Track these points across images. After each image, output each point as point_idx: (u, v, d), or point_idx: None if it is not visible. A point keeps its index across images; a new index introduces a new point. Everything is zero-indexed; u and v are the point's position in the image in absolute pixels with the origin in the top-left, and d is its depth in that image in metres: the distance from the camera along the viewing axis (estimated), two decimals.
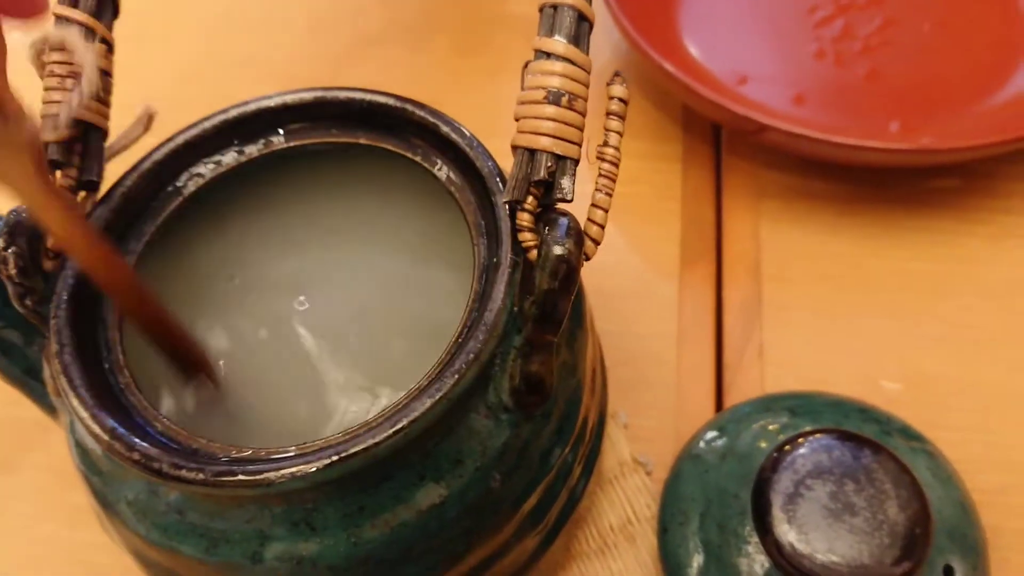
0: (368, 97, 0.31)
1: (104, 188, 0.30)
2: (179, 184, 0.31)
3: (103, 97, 0.29)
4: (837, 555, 0.30)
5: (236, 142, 0.32)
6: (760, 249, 0.45)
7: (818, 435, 0.32)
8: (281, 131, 0.32)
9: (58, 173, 0.29)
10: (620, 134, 0.26)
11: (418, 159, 0.31)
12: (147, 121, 0.31)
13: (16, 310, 0.30)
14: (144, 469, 0.24)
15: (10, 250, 0.27)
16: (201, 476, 0.24)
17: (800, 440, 0.32)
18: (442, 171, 0.31)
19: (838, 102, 0.47)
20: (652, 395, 0.40)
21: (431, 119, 0.30)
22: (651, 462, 0.38)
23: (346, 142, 0.32)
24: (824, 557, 0.30)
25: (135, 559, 0.28)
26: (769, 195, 0.47)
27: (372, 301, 0.34)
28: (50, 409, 0.32)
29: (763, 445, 0.35)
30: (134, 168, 0.30)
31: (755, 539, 0.32)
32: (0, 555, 0.39)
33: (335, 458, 0.24)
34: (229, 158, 0.32)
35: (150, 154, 0.30)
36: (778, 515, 0.31)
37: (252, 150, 0.31)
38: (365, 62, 0.56)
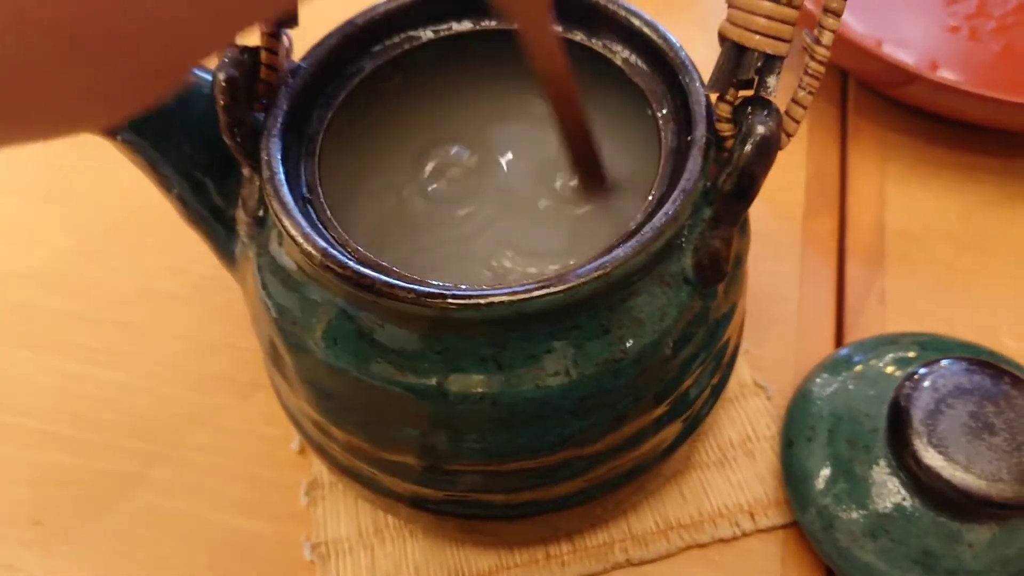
0: None
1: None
2: (375, 50, 0.33)
3: None
4: (976, 469, 0.31)
5: (424, 22, 0.33)
6: (884, 205, 0.46)
7: (958, 360, 0.33)
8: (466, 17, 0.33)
9: None
10: (833, 32, 0.26)
11: (601, 49, 0.32)
12: None
13: (212, 154, 0.31)
14: (356, 286, 0.25)
15: (228, 81, 0.28)
16: (412, 295, 0.25)
17: (941, 363, 0.33)
18: (627, 62, 0.32)
19: (971, 73, 0.48)
20: (773, 329, 0.41)
21: (623, 12, 0.32)
22: (771, 387, 0.39)
23: None
24: (963, 470, 0.31)
25: (311, 395, 0.29)
26: (894, 157, 0.48)
27: (542, 180, 0.35)
28: (227, 254, 0.33)
29: (895, 371, 0.36)
30: (338, 29, 0.32)
31: (886, 454, 0.33)
32: (126, 414, 0.41)
33: (541, 291, 0.25)
34: (423, 35, 0.33)
35: (355, 17, 0.32)
36: (918, 429, 0.32)
37: (443, 28, 0.33)
38: None
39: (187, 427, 0.40)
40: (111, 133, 0.30)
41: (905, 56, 0.48)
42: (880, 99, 0.50)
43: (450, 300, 0.25)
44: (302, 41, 0.31)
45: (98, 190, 0.49)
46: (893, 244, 0.44)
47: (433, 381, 0.27)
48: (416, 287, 0.25)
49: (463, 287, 0.25)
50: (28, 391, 0.42)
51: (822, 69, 0.27)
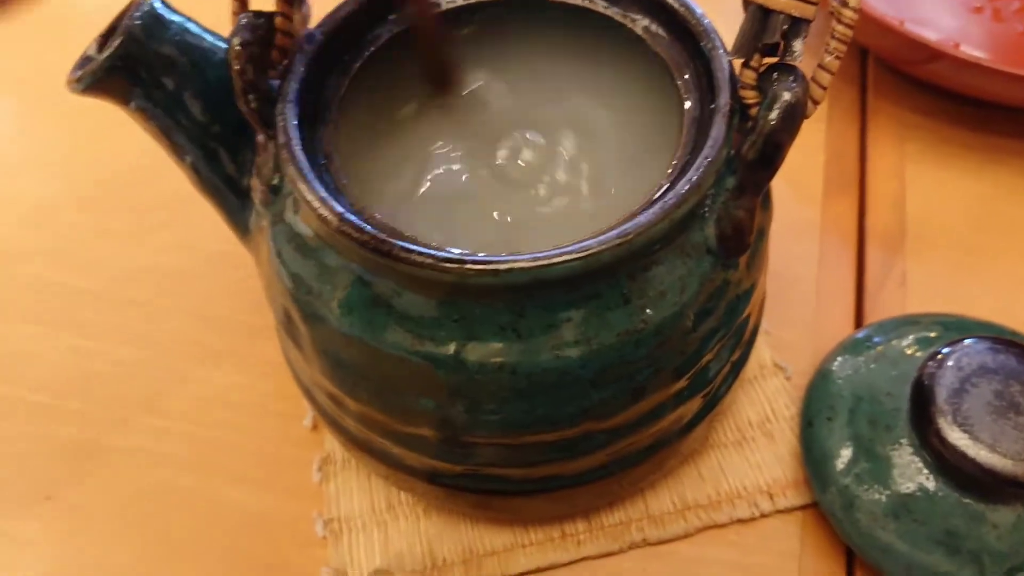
0: None
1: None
2: (392, 18, 0.32)
3: None
4: (1002, 449, 0.30)
5: None
6: (904, 186, 0.45)
7: (982, 339, 0.33)
8: None
9: None
10: None
11: (621, 18, 0.32)
12: None
13: (226, 122, 0.31)
14: (373, 251, 0.25)
15: (243, 46, 0.28)
16: (430, 260, 0.24)
17: (964, 342, 0.33)
18: (647, 30, 0.31)
19: (994, 53, 0.47)
20: (793, 310, 0.41)
21: None
22: (790, 367, 0.39)
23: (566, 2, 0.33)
24: (988, 449, 0.30)
25: (326, 365, 0.29)
26: (914, 138, 0.47)
27: (561, 150, 0.35)
28: (240, 224, 0.33)
29: (917, 351, 0.35)
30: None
31: (909, 434, 0.32)
32: (136, 390, 0.40)
33: (560, 258, 0.24)
34: (441, 2, 0.33)
35: None
36: (942, 408, 0.31)
37: None
38: None
39: (198, 403, 0.40)
40: (124, 100, 0.30)
41: (927, 35, 0.48)
42: (900, 79, 0.49)
43: (468, 266, 0.24)
44: (319, 9, 0.30)
45: (108, 166, 0.48)
46: (913, 225, 0.44)
47: (451, 350, 0.26)
48: (434, 252, 0.25)
49: (481, 253, 0.25)
50: (39, 367, 0.41)
51: (849, 33, 0.26)
